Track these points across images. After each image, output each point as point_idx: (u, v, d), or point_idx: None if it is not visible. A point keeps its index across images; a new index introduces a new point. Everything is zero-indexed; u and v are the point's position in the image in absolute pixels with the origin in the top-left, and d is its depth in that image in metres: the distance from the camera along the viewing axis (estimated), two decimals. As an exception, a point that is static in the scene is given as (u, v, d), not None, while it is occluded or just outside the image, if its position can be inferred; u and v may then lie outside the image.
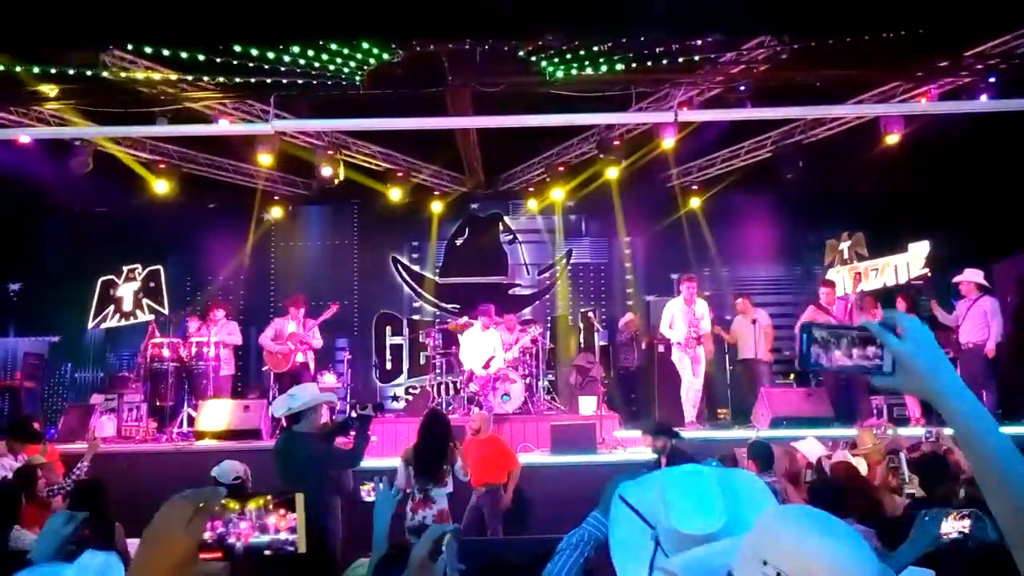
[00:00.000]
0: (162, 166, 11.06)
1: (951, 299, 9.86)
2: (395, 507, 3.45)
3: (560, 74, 8.88)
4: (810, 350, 1.33)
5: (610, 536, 1.57)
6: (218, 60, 8.63)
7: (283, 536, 1.26)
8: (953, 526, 2.69)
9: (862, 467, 5.86)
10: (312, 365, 10.37)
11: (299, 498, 1.29)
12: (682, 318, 9.94)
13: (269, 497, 1.28)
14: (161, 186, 11.02)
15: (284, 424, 5.73)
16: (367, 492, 3.62)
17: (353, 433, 5.34)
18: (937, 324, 10.16)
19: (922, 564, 2.86)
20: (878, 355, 1.30)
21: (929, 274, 11.38)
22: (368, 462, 5.57)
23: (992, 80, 8.99)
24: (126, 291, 12.77)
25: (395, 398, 12.92)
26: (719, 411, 10.82)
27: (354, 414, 5.38)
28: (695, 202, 12.64)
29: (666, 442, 6.47)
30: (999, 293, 10.24)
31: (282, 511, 1.26)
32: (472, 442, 7.24)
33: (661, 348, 10.73)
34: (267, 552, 1.25)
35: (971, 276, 9.44)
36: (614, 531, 1.57)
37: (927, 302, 10.58)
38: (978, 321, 9.27)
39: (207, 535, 1.20)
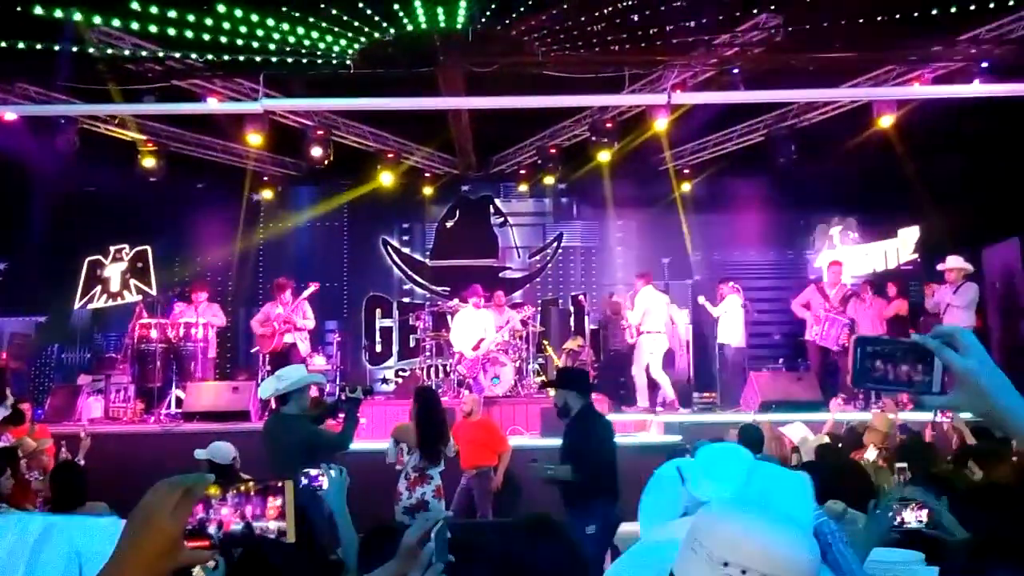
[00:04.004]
0: (150, 145, 10.93)
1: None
2: (345, 491, 3.34)
3: (553, 55, 8.81)
4: (865, 365, 1.27)
5: (644, 493, 1.58)
6: (206, 37, 8.51)
7: (271, 524, 1.21)
8: (912, 516, 2.76)
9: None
10: (304, 347, 10.32)
11: (288, 485, 1.24)
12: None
13: (253, 483, 1.24)
14: (149, 165, 10.90)
15: (273, 406, 5.69)
16: (315, 479, 3.42)
17: (342, 416, 5.31)
18: (923, 310, 10.20)
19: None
20: (928, 372, 1.23)
21: (918, 259, 11.42)
22: (357, 444, 5.55)
23: (985, 65, 8.98)
24: (113, 271, 12.67)
25: (385, 380, 12.90)
26: (705, 394, 10.86)
27: (343, 397, 5.34)
28: (687, 186, 12.60)
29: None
30: (987, 279, 10.28)
31: (270, 498, 1.22)
32: (463, 424, 7.24)
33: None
34: (253, 540, 1.21)
35: (956, 263, 9.42)
36: (650, 489, 1.58)
37: (917, 287, 10.62)
38: (964, 306, 9.24)
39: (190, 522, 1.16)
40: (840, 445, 6.20)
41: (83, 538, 1.24)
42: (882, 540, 2.71)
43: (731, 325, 10.39)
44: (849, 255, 12.32)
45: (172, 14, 8.17)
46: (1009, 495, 2.95)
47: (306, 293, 10.23)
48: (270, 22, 8.47)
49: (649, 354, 9.78)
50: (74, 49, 8.52)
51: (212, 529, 1.18)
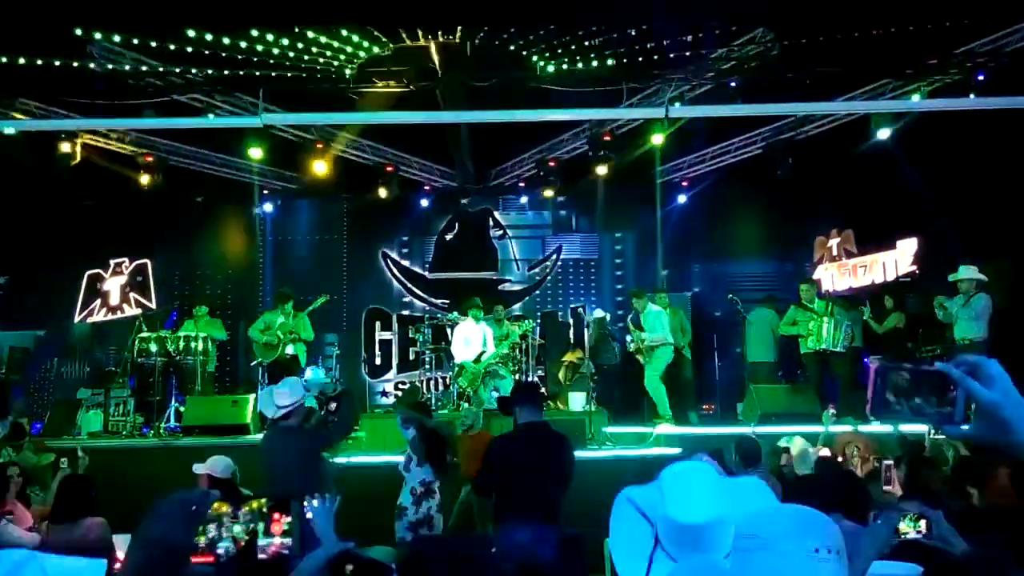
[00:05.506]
0: (149, 159, 10.96)
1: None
2: (332, 517, 3.20)
3: (551, 69, 8.87)
4: (884, 395, 1.22)
5: (611, 533, 1.59)
6: (207, 52, 8.56)
7: (278, 540, 1.24)
8: (910, 526, 2.79)
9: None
10: (303, 358, 10.34)
11: (294, 503, 1.28)
12: None
13: (264, 501, 1.27)
14: (148, 178, 10.93)
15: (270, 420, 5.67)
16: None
17: (336, 408, 5.33)
18: (933, 321, 10.15)
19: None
20: (952, 403, 1.17)
21: (917, 271, 11.41)
22: (357, 459, 5.55)
23: (981, 78, 9.03)
24: (113, 285, 12.68)
25: (384, 393, 12.89)
26: (705, 406, 10.85)
27: (332, 393, 5.38)
28: (685, 198, 12.63)
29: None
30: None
31: (277, 515, 1.25)
32: (462, 437, 7.23)
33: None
34: (262, 556, 1.24)
35: (969, 273, 9.16)
36: (616, 528, 1.59)
37: (915, 300, 10.60)
38: (975, 318, 9.08)
39: (200, 539, 1.19)
40: (840, 459, 6.22)
41: (56, 573, 1.26)
42: (882, 551, 2.72)
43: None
44: (847, 267, 12.34)
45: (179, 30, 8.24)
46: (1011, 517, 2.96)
47: (316, 304, 10.25)
48: (270, 37, 8.54)
49: (665, 363, 9.76)
50: (74, 64, 8.59)
51: (226, 546, 1.21)
